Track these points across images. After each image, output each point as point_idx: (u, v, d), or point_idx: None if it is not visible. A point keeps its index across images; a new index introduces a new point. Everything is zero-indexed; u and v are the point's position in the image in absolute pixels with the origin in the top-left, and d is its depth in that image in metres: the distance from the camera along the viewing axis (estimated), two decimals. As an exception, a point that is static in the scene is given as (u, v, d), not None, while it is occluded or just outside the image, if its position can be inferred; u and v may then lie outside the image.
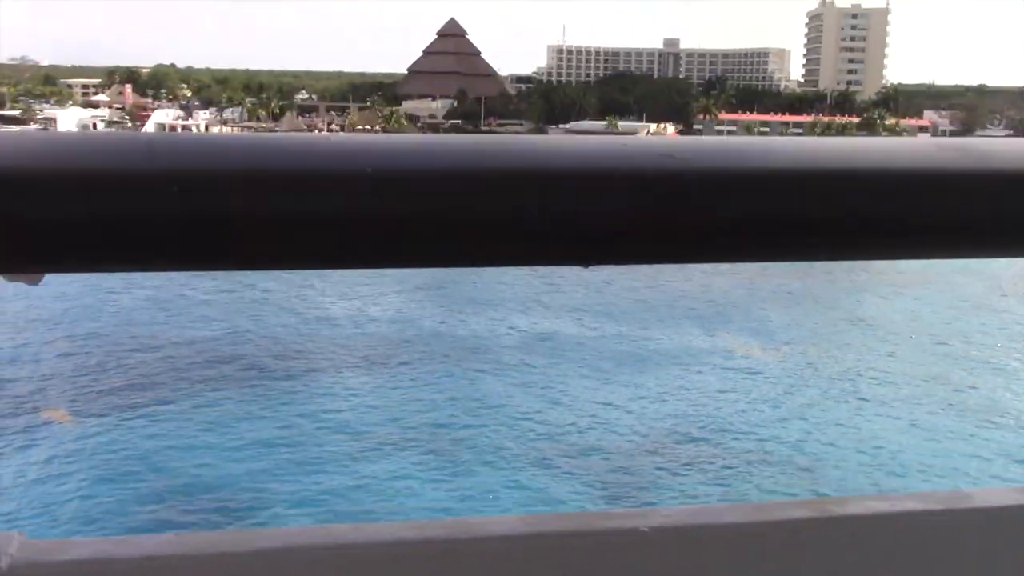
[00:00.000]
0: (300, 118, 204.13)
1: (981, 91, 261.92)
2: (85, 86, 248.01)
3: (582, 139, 0.98)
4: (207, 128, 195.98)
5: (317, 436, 39.52)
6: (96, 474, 35.52)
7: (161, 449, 37.83)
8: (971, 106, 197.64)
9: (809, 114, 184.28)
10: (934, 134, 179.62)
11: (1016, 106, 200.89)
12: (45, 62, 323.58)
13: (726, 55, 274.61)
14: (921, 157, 1.02)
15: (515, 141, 0.97)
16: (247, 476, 35.62)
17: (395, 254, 0.93)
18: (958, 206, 1.01)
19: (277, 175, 0.87)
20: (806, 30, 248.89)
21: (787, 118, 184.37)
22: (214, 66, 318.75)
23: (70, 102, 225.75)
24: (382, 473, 36.26)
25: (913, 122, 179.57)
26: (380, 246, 0.91)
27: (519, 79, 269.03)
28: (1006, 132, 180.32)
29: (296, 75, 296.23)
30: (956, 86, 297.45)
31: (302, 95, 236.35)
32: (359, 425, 40.81)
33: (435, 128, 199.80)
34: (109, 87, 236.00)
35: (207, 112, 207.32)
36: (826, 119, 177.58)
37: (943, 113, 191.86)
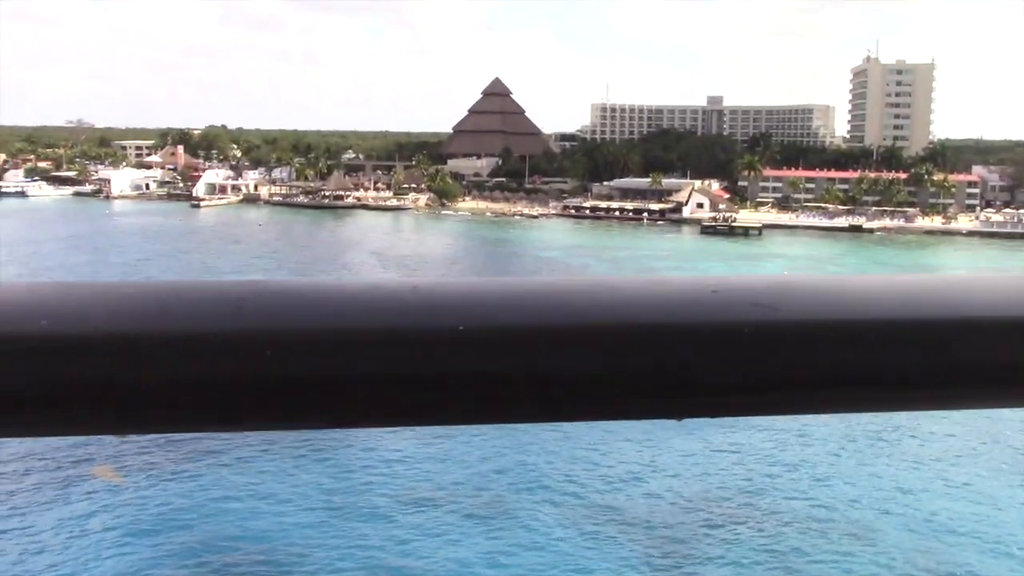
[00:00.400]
0: (347, 177, 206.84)
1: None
2: (139, 147, 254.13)
3: (672, 285, 0.95)
4: (256, 188, 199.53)
5: (358, 493, 39.38)
6: (138, 528, 35.60)
7: (202, 504, 37.88)
8: (1021, 160, 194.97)
9: (855, 170, 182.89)
10: (983, 189, 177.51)
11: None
12: (100, 124, 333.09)
13: (770, 112, 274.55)
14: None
15: (605, 289, 0.94)
16: (287, 532, 35.52)
17: (487, 410, 0.93)
18: None
19: (368, 333, 0.87)
20: (851, 86, 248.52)
21: (833, 174, 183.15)
22: (263, 127, 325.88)
23: (124, 163, 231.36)
24: (422, 533, 35.96)
25: (962, 177, 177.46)
26: (473, 403, 0.91)
27: (563, 137, 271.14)
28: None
29: (343, 135, 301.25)
30: (1005, 141, 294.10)
31: (349, 154, 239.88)
32: (400, 483, 40.61)
33: (480, 186, 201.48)
34: (162, 148, 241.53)
35: (256, 172, 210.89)
36: (873, 175, 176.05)
37: (992, 168, 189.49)
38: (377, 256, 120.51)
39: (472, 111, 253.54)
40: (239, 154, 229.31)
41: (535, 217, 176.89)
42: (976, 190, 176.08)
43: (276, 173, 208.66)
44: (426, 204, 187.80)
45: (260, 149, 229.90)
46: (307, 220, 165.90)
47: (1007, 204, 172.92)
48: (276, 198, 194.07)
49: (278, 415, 0.88)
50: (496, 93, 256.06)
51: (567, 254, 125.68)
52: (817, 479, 42.58)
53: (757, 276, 0.96)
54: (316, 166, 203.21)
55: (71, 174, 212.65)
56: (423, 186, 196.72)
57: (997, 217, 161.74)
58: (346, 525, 36.32)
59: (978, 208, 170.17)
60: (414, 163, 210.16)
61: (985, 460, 45.60)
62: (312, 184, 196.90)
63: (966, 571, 33.90)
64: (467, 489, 40.08)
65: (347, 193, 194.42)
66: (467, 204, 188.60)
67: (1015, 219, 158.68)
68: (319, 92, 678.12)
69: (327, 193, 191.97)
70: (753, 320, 0.90)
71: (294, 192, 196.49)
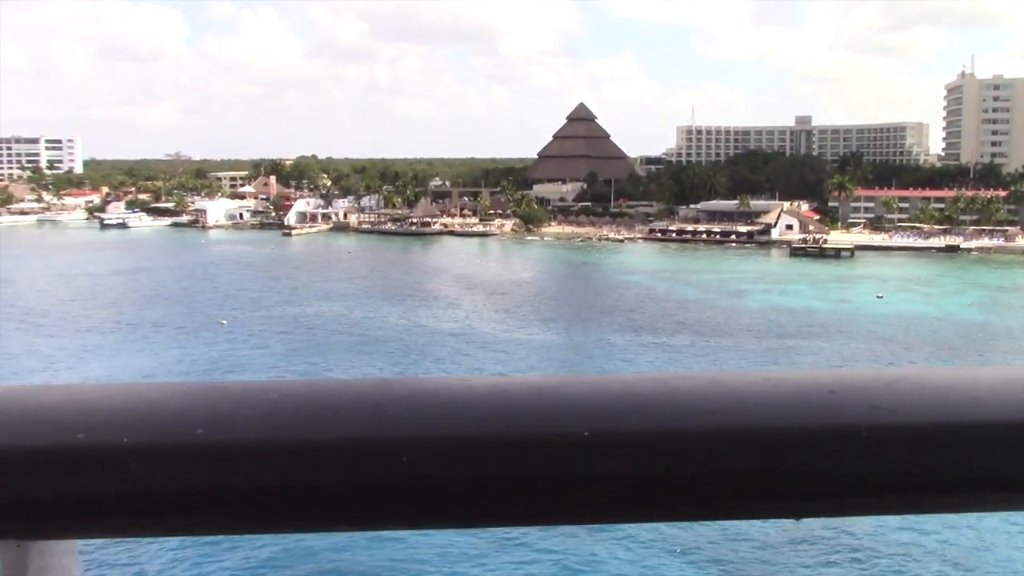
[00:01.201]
0: (434, 203, 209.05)
1: None
2: (233, 178, 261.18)
3: (789, 383, 0.96)
4: (345, 216, 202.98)
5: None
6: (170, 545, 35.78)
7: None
8: None
9: (951, 188, 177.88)
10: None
11: None
12: (197, 156, 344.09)
13: (861, 131, 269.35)
14: None
15: (723, 389, 0.96)
16: (328, 543, 35.62)
17: (608, 511, 0.96)
18: None
19: (497, 438, 0.91)
20: (945, 103, 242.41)
21: (928, 193, 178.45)
22: (352, 156, 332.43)
23: (219, 194, 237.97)
24: (464, 544, 35.85)
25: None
26: (594, 504, 0.93)
27: (648, 160, 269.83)
28: None
29: (430, 162, 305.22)
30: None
31: (436, 181, 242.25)
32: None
33: (565, 211, 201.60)
34: (255, 179, 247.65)
35: (345, 200, 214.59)
36: (970, 193, 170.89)
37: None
38: (463, 282, 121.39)
39: (557, 136, 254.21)
40: (329, 183, 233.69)
41: (621, 241, 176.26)
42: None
43: (365, 201, 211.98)
44: (511, 229, 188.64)
45: (349, 178, 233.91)
46: (395, 247, 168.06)
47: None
48: (365, 226, 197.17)
49: (408, 517, 0.95)
50: (581, 118, 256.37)
51: (652, 278, 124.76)
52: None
53: (875, 372, 0.96)
54: (403, 193, 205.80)
55: (169, 205, 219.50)
56: (508, 212, 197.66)
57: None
58: (383, 539, 36.18)
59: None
60: (499, 189, 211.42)
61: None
62: (400, 211, 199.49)
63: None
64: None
65: (434, 220, 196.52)
66: (552, 229, 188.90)
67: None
68: (406, 121, 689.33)
69: (414, 220, 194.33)
70: (870, 423, 0.91)
71: (382, 219, 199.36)
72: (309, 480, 0.89)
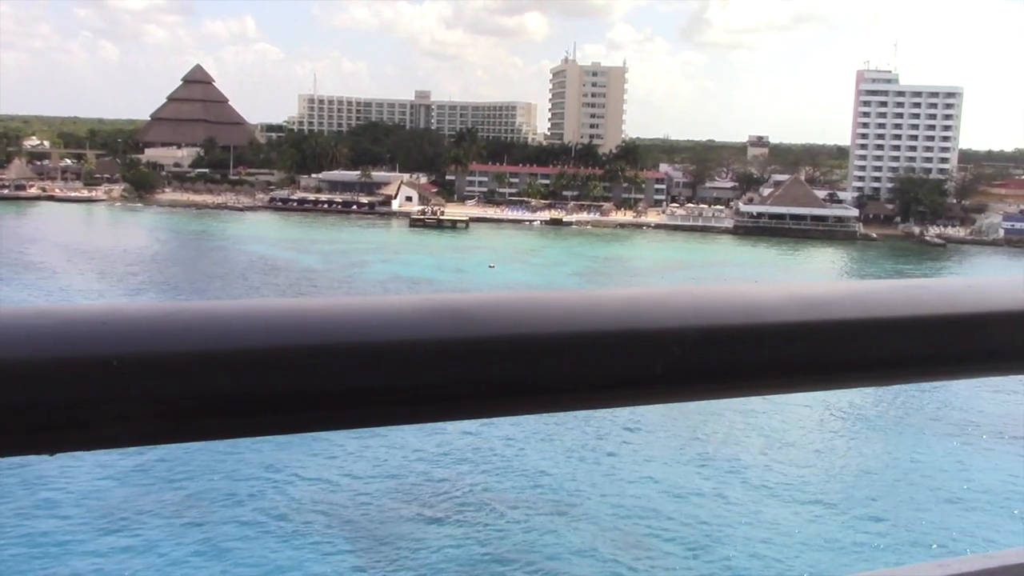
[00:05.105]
0: (30, 165, 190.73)
1: (709, 146, 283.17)
2: None
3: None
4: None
5: (51, 507, 36.47)
6: None
7: None
8: (700, 159, 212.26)
9: (555, 166, 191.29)
10: (669, 185, 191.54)
11: (739, 160, 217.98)
12: None
13: (476, 108, 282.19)
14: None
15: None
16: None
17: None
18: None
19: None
20: (551, 86, 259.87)
21: (535, 170, 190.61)
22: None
23: None
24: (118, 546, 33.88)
25: (651, 174, 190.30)
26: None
27: (270, 128, 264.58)
28: (731, 183, 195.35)
29: (26, 120, 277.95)
30: (688, 141, 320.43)
31: (33, 141, 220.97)
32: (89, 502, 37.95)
33: (181, 177, 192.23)
34: None
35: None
36: (571, 171, 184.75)
37: (676, 166, 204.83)
38: (65, 251, 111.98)
39: (171, 99, 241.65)
40: None
41: (241, 210, 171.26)
42: (663, 186, 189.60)
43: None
44: (121, 195, 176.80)
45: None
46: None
47: (689, 199, 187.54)
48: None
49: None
50: (197, 80, 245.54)
51: (273, 248, 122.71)
52: (537, 458, 44.01)
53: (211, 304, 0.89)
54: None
55: None
56: (118, 176, 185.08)
57: (680, 211, 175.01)
58: (35, 535, 33.57)
59: (664, 203, 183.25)
60: (107, 152, 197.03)
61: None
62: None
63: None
64: (173, 487, 38.17)
65: (30, 183, 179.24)
66: (167, 196, 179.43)
67: (696, 213, 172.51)
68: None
69: (6, 183, 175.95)
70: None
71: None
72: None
